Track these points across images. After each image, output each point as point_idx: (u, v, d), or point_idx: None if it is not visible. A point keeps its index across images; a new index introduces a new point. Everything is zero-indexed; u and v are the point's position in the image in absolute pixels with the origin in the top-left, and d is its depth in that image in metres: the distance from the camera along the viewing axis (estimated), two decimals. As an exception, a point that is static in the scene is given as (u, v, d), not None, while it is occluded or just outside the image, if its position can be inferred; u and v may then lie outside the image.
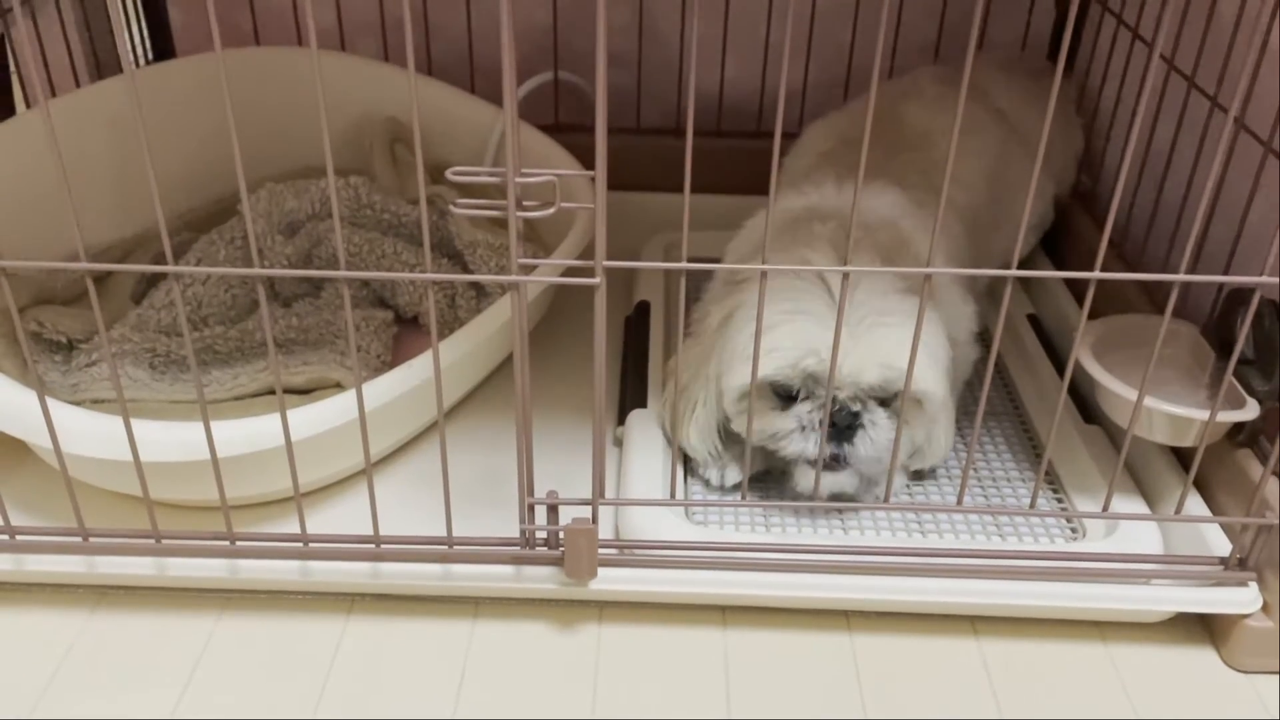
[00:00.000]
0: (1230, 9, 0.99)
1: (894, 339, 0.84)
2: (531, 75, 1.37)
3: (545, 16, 1.39)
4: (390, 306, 1.19)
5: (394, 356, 1.12)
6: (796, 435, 0.87)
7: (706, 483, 0.96)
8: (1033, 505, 0.85)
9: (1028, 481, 0.99)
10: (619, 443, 1.00)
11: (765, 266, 0.73)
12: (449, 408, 1.05)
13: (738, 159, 1.19)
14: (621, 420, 1.02)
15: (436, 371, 0.75)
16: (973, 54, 0.67)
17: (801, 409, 0.87)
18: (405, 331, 1.18)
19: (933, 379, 0.87)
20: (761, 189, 0.74)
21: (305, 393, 1.05)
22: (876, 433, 0.86)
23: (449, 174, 0.67)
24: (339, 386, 1.05)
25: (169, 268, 0.71)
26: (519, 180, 0.67)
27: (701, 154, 0.71)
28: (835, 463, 0.87)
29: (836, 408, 0.85)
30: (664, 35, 1.42)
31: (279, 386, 0.75)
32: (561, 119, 1.40)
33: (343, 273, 0.71)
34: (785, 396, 0.88)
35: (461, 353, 0.96)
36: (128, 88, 0.66)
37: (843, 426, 0.86)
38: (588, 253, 0.71)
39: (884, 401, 0.87)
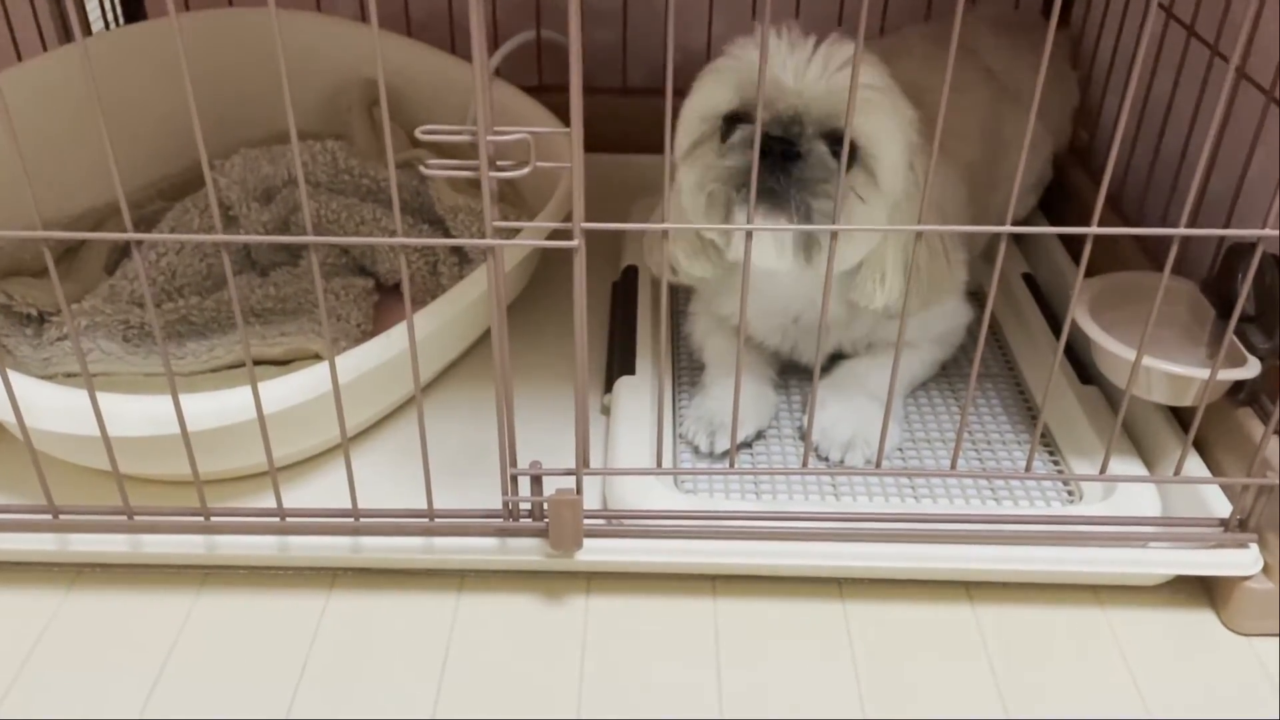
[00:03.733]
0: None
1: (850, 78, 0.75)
2: (514, 35, 1.33)
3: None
4: (371, 274, 1.17)
5: (376, 325, 1.10)
6: (735, 157, 0.81)
7: (695, 450, 0.94)
8: (1028, 468, 0.83)
9: (1023, 444, 0.97)
10: (607, 411, 0.98)
11: (752, 227, 0.71)
12: (431, 378, 1.03)
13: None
14: (609, 388, 1.00)
15: (411, 340, 0.73)
16: (962, 10, 0.64)
17: (738, 135, 0.82)
18: (387, 299, 1.16)
19: (887, 133, 0.82)
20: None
21: (283, 364, 1.02)
22: (813, 164, 0.80)
23: (418, 132, 0.64)
24: (318, 357, 1.02)
25: (132, 235, 0.68)
26: (492, 139, 0.64)
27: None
28: (772, 196, 0.80)
29: (771, 131, 0.79)
30: (650, -9, 1.38)
31: (248, 358, 0.73)
32: (546, 80, 1.37)
33: (312, 238, 0.68)
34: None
35: (441, 321, 0.94)
36: (83, 53, 0.62)
37: (777, 154, 0.79)
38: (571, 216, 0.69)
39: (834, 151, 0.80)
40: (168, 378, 0.72)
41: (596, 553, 0.82)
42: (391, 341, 0.88)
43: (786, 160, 0.79)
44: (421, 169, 0.66)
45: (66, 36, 1.30)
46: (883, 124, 0.82)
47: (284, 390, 0.82)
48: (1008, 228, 0.70)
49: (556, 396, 1.01)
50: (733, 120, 0.83)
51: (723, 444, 0.92)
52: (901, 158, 0.83)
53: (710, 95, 0.84)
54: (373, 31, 0.62)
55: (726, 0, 1.37)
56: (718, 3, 1.37)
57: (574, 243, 0.68)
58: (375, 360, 0.87)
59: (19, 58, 1.23)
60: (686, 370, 1.05)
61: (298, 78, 0.63)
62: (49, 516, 0.80)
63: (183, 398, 0.75)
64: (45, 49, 1.27)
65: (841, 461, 0.91)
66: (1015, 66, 1.16)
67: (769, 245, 0.83)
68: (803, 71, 0.81)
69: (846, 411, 0.94)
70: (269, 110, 1.23)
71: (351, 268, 1.18)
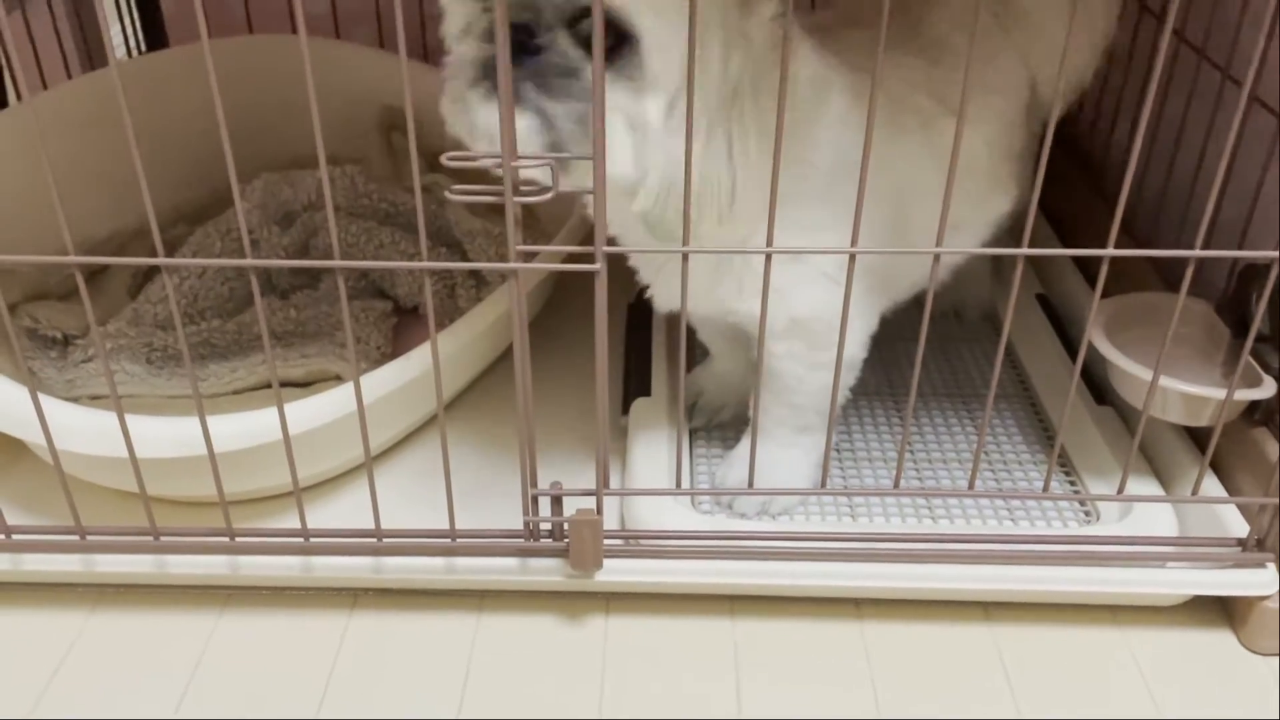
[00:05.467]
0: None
1: None
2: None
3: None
4: (390, 297, 1.18)
5: (394, 347, 1.11)
6: (467, 46, 0.68)
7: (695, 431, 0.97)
8: (1046, 488, 0.83)
9: (1040, 464, 0.97)
10: (623, 432, 0.99)
11: (771, 249, 0.72)
12: (450, 399, 1.04)
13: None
14: (626, 409, 1.00)
15: (435, 363, 0.74)
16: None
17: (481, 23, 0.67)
18: (405, 322, 1.17)
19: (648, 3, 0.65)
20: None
21: (304, 385, 1.03)
22: (551, 59, 0.65)
23: (444, 159, 0.65)
24: (338, 379, 1.03)
25: (159, 260, 0.69)
26: (515, 165, 0.65)
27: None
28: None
29: (514, 18, 0.63)
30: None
31: (275, 380, 0.74)
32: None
33: (337, 262, 0.69)
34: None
35: (461, 343, 0.95)
36: (113, 79, 0.64)
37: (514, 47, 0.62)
38: (589, 238, 0.70)
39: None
40: (195, 399, 0.74)
41: (615, 573, 0.83)
42: (412, 363, 0.89)
43: (520, 54, 0.64)
44: (446, 194, 0.67)
45: (90, 64, 1.32)
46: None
47: (309, 411, 0.83)
48: (1024, 250, 0.71)
49: (572, 417, 1.02)
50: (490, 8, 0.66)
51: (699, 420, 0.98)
52: (677, 34, 0.64)
53: None
54: (401, 59, 0.63)
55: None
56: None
57: (595, 266, 0.69)
58: (397, 381, 0.88)
59: (44, 85, 1.25)
60: (703, 391, 1.06)
61: (317, 103, 0.64)
62: (76, 537, 0.81)
63: (208, 419, 0.76)
64: (70, 76, 1.29)
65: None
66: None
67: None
68: None
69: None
70: (289, 136, 1.26)
71: (370, 290, 1.19)
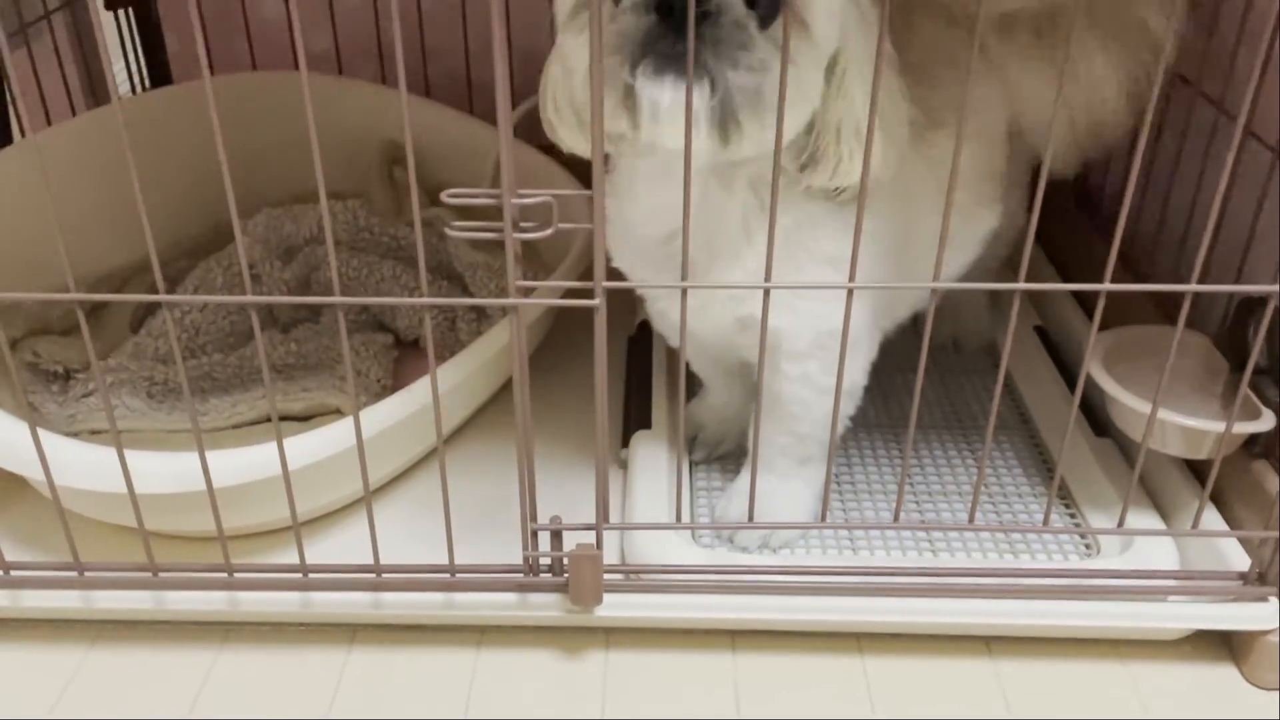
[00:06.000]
0: (1232, 14, 0.98)
1: None
2: (530, 95, 1.36)
3: (544, 39, 1.38)
4: (390, 330, 1.18)
5: (395, 380, 1.11)
6: (627, 19, 0.65)
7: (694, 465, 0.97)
8: (1046, 522, 0.83)
9: (1039, 497, 0.97)
10: (623, 465, 0.99)
11: (769, 285, 0.72)
12: (449, 432, 1.04)
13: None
14: (625, 442, 1.00)
15: (435, 397, 0.74)
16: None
17: None
18: (406, 355, 1.17)
19: None
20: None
21: (304, 419, 1.04)
22: (726, 24, 0.65)
23: (445, 196, 0.66)
24: (339, 413, 1.04)
25: (161, 297, 0.70)
26: (516, 202, 0.66)
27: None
28: (679, 64, 0.64)
29: None
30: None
31: (275, 415, 0.74)
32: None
33: (338, 299, 0.69)
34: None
35: (461, 377, 0.95)
36: (116, 114, 0.64)
37: (680, 13, 0.62)
38: (588, 273, 0.70)
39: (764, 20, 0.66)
40: (195, 434, 0.74)
41: (615, 608, 0.82)
42: (413, 396, 0.89)
43: (698, 20, 0.62)
44: (446, 230, 0.67)
45: (95, 101, 1.33)
46: None
47: (309, 446, 0.83)
48: (1021, 285, 0.71)
49: (571, 451, 1.02)
50: None
51: (700, 454, 0.97)
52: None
53: None
54: (401, 95, 0.64)
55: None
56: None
57: (595, 302, 0.70)
58: (398, 415, 0.88)
59: (48, 120, 1.26)
60: (703, 424, 1.06)
61: (319, 139, 0.65)
62: (74, 574, 0.81)
63: (208, 454, 0.76)
64: (74, 112, 1.30)
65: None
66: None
67: (676, 120, 0.65)
68: None
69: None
70: (291, 171, 1.26)
71: (371, 324, 1.19)
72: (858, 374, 0.87)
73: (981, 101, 0.92)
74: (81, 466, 0.80)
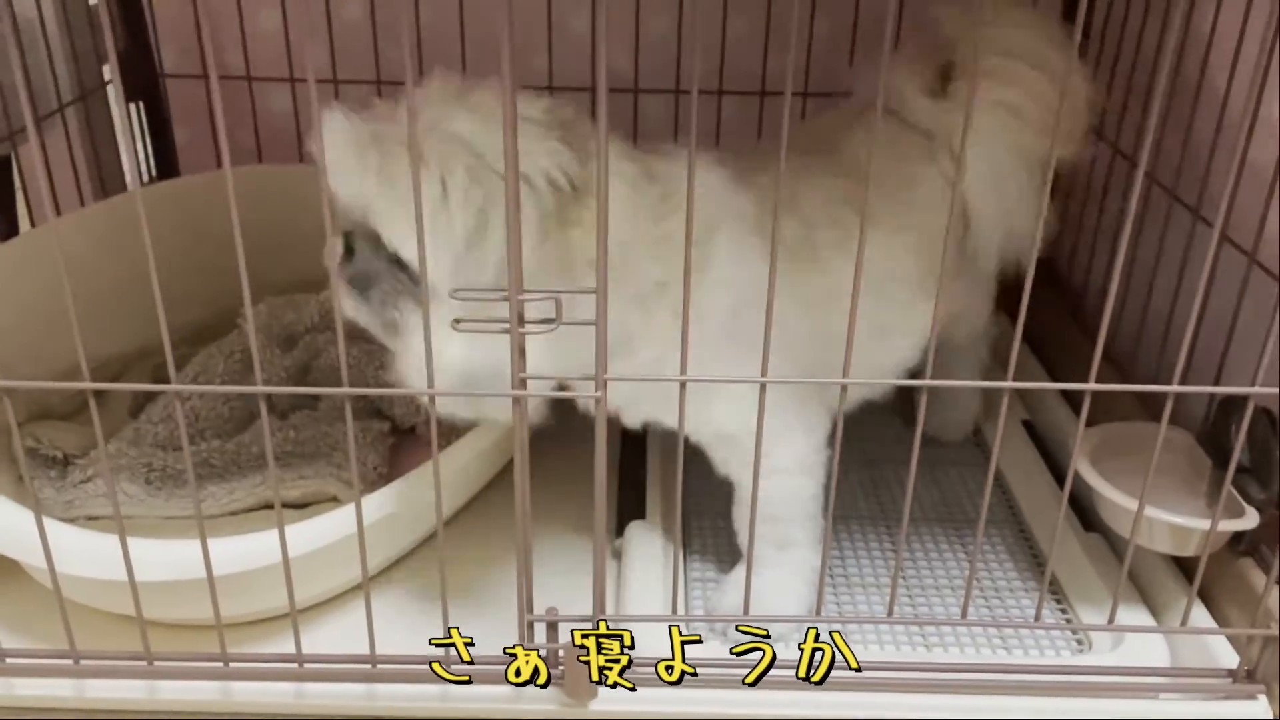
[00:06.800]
0: (1208, 124, 1.02)
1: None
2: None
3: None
4: (387, 417, 1.19)
5: (391, 468, 1.12)
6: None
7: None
8: (1038, 617, 0.84)
9: (1030, 591, 0.98)
10: (617, 555, 0.99)
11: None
12: (446, 517, 1.04)
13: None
14: (620, 531, 1.01)
15: (437, 487, 0.75)
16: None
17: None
18: (403, 441, 1.18)
19: (390, 217, 0.75)
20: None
21: (301, 507, 1.04)
22: (372, 276, 0.82)
23: (451, 295, 0.68)
24: (335, 500, 1.04)
25: (171, 386, 0.71)
26: (522, 299, 0.68)
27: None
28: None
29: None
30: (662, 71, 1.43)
31: (278, 503, 0.75)
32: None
33: (345, 389, 0.71)
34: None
35: (459, 465, 0.96)
36: (134, 206, 0.67)
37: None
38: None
39: None
40: (197, 521, 0.74)
41: (611, 702, 0.82)
42: (411, 485, 0.90)
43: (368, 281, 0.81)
44: (452, 326, 0.69)
45: (104, 192, 1.36)
46: (385, 208, 0.74)
47: (309, 533, 0.84)
48: (1009, 383, 0.74)
49: (565, 538, 1.02)
50: None
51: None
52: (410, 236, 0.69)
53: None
54: (415, 195, 0.66)
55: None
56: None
57: (596, 394, 0.71)
58: (396, 505, 0.89)
59: (58, 211, 1.28)
60: (695, 515, 1.07)
61: (318, 229, 0.67)
62: (70, 661, 0.81)
63: (209, 542, 0.76)
64: (83, 203, 1.33)
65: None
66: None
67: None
68: (353, 172, 0.75)
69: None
70: (292, 260, 1.28)
71: (368, 411, 1.20)
72: (808, 452, 0.88)
73: (927, 197, 0.96)
74: (81, 553, 0.80)
